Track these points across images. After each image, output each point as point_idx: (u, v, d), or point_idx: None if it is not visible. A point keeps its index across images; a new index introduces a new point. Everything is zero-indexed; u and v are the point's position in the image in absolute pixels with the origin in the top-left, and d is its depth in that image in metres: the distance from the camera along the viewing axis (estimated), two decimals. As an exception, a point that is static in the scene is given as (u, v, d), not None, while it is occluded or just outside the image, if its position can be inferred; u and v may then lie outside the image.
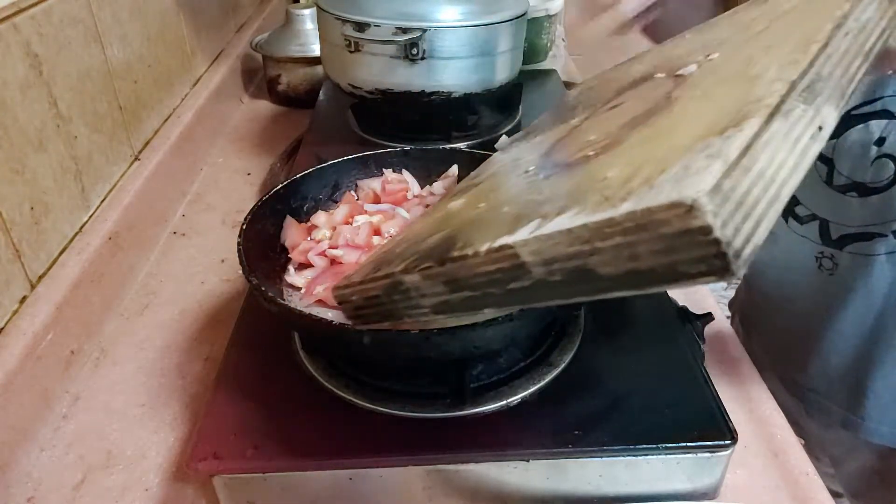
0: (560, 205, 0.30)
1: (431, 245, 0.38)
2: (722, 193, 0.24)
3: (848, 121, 0.61)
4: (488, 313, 0.34)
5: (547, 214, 0.30)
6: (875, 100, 0.59)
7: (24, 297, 0.61)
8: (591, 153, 0.36)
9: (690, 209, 0.23)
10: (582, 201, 0.29)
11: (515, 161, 0.47)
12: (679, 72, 0.41)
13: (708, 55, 0.41)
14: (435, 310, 0.37)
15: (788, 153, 0.27)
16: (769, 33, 0.39)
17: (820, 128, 0.29)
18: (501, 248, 0.31)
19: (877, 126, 0.59)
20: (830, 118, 0.30)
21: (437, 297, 0.36)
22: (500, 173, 0.47)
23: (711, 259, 0.24)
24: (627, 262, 0.26)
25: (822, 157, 0.64)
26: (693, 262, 0.24)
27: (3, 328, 0.58)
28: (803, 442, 0.57)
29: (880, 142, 0.59)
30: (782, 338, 0.76)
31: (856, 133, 0.60)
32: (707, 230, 0.23)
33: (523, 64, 0.92)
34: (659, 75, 0.44)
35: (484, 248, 0.32)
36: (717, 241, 0.23)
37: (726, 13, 0.51)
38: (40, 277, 0.64)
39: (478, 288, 0.33)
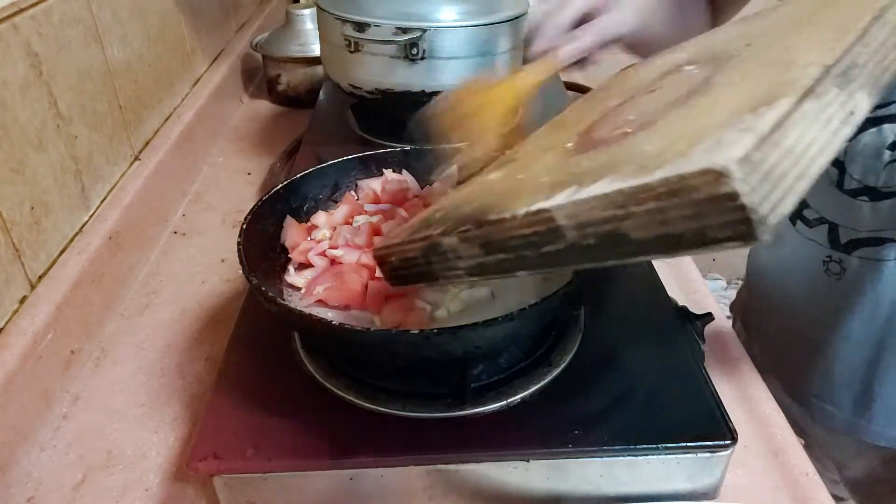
0: (597, 174, 0.31)
1: (470, 210, 0.39)
2: (751, 164, 0.25)
3: (861, 124, 0.60)
4: (520, 275, 0.35)
5: (583, 182, 0.31)
6: (889, 103, 0.58)
7: (24, 297, 0.61)
8: (628, 130, 0.37)
9: (720, 175, 0.25)
10: (618, 170, 0.30)
11: (553, 139, 0.48)
12: (719, 59, 0.42)
13: (748, 44, 0.42)
14: (469, 272, 0.38)
15: (819, 133, 0.28)
16: (810, 24, 0.39)
17: (852, 113, 0.30)
18: (538, 211, 0.32)
19: (890, 130, 0.58)
20: (863, 104, 0.31)
21: (473, 259, 0.37)
22: (539, 150, 0.48)
23: (738, 224, 0.25)
24: (659, 226, 0.28)
25: (833, 161, 0.63)
26: (720, 228, 0.26)
27: (3, 328, 0.58)
28: (803, 442, 0.57)
29: (893, 146, 0.58)
30: (784, 341, 0.75)
31: (868, 136, 0.59)
32: (734, 196, 0.25)
33: (523, 64, 0.91)
34: (700, 62, 0.45)
35: (521, 211, 0.33)
36: (743, 207, 0.25)
37: (768, 7, 0.51)
38: (40, 277, 0.64)
39: (513, 251, 0.35)
